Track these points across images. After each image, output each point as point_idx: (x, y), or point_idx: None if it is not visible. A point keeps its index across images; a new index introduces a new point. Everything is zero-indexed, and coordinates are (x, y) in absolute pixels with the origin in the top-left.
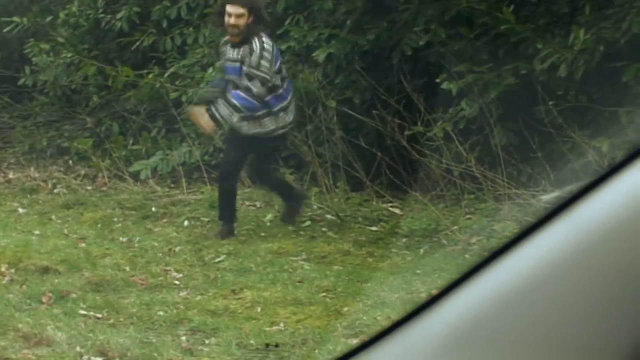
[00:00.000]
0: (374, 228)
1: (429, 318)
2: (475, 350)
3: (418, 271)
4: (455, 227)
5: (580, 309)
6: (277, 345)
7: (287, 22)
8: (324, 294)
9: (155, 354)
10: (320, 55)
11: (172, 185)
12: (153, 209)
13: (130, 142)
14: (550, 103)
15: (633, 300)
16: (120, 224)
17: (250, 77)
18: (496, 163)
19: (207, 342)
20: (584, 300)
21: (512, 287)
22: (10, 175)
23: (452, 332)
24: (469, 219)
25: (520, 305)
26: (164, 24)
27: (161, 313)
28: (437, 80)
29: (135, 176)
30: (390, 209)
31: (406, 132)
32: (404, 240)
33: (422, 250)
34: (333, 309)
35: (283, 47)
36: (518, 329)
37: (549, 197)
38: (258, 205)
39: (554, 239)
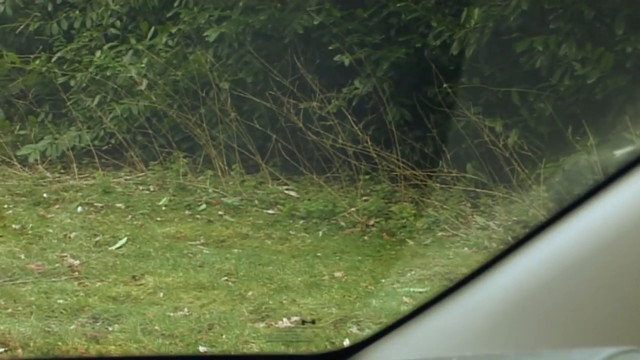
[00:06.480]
0: (270, 211)
1: (466, 297)
2: (517, 327)
3: (319, 254)
4: (353, 209)
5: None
6: None
7: (175, 5)
8: (225, 277)
9: (60, 343)
10: (211, 35)
11: (62, 171)
12: (44, 195)
13: (17, 127)
14: (445, 83)
15: None
16: (11, 211)
17: None
18: (391, 142)
19: (110, 329)
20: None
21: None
22: None
23: (493, 309)
24: (365, 200)
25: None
26: (50, 8)
27: (61, 301)
28: (330, 48)
29: (24, 162)
30: (286, 191)
31: (301, 109)
32: (301, 222)
33: (320, 233)
34: (237, 293)
35: (173, 30)
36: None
37: (623, 152)
38: (152, 189)
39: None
